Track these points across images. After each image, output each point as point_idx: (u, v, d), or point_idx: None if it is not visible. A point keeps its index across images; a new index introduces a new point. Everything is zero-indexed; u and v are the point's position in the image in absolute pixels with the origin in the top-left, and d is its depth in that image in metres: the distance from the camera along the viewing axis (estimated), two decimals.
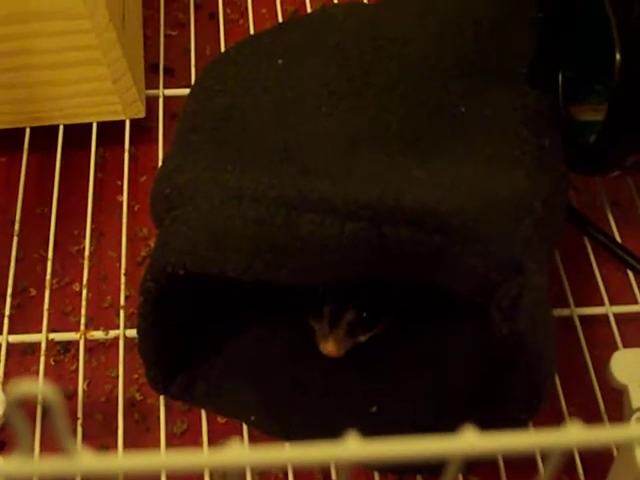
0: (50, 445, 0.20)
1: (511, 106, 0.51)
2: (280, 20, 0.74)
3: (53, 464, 0.18)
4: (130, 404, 0.58)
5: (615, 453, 0.51)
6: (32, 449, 0.19)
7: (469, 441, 0.21)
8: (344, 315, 0.50)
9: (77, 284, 0.63)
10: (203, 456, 0.18)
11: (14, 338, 0.57)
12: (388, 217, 0.42)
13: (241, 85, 0.53)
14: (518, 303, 0.42)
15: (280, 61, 0.53)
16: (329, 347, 0.50)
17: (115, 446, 0.53)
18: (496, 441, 0.21)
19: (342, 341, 0.50)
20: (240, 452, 0.18)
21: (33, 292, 0.62)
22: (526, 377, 0.44)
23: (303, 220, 0.43)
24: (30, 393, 0.17)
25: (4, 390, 0.54)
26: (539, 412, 0.46)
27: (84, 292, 0.58)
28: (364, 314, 0.50)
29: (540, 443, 0.22)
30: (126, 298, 0.58)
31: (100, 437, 0.56)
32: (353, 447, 0.19)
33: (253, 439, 0.54)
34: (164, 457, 0.18)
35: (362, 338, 0.51)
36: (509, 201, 0.45)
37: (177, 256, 0.45)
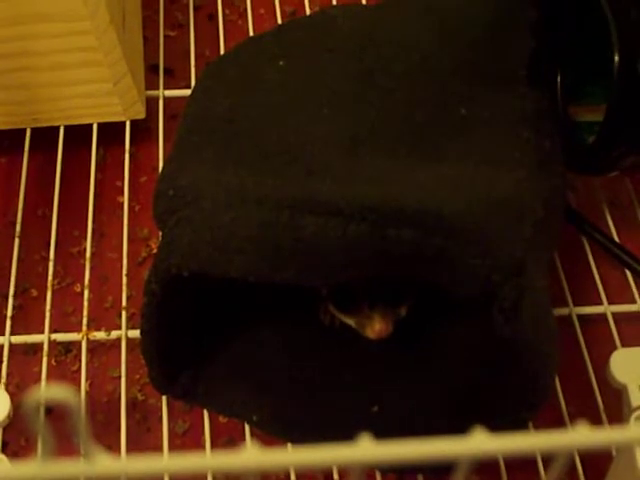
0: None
1: (511, 107, 0.52)
2: (279, 21, 0.74)
3: (74, 467, 0.18)
4: (132, 404, 0.58)
5: (614, 453, 0.51)
6: (53, 453, 0.19)
7: (479, 443, 0.21)
8: (380, 295, 0.48)
9: (78, 285, 0.63)
10: (221, 459, 0.18)
11: (16, 339, 0.58)
12: (391, 219, 0.42)
13: (242, 87, 0.53)
14: (519, 304, 0.42)
15: (281, 62, 0.54)
16: (377, 326, 0.48)
17: (117, 446, 0.53)
18: (504, 443, 0.21)
19: (386, 316, 0.48)
20: (257, 455, 0.18)
21: (35, 293, 0.63)
22: (527, 376, 0.44)
23: (306, 222, 0.43)
24: (52, 397, 0.17)
25: (7, 391, 0.54)
26: (539, 411, 0.46)
27: (85, 293, 0.59)
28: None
29: (547, 445, 0.22)
30: (127, 299, 0.59)
31: (102, 437, 0.56)
32: (366, 449, 0.20)
33: (255, 439, 0.54)
34: (185, 459, 0.18)
35: (402, 311, 0.50)
36: (510, 202, 0.45)
37: (181, 258, 0.45)
